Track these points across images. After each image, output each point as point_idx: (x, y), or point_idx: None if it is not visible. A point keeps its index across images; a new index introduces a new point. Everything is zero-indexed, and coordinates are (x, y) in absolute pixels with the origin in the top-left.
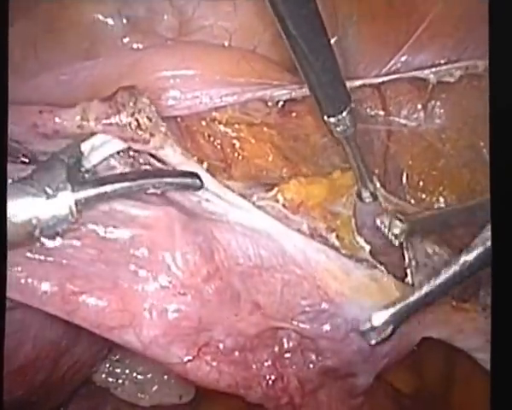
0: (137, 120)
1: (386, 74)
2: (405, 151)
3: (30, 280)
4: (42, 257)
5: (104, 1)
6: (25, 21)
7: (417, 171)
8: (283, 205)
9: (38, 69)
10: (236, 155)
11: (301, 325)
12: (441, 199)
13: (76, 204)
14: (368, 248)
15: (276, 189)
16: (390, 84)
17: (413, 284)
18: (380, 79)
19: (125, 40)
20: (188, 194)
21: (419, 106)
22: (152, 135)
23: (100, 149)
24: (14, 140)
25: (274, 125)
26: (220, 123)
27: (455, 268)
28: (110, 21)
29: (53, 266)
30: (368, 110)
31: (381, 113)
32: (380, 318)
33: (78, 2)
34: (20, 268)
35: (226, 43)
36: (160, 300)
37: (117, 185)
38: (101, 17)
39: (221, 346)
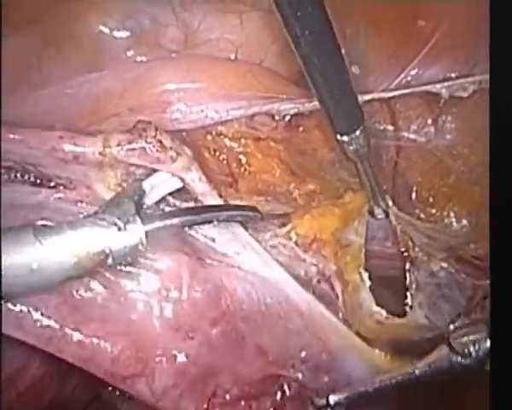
0: (161, 141)
1: (397, 88)
2: (415, 167)
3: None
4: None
5: (108, 13)
6: (27, 34)
7: (427, 187)
8: (296, 243)
9: (41, 82)
10: (243, 170)
11: (301, 375)
12: (451, 214)
13: (146, 235)
14: (368, 283)
15: (289, 225)
16: (400, 99)
17: (411, 307)
18: (390, 94)
19: (130, 53)
20: (202, 235)
21: (429, 121)
22: (178, 154)
23: (159, 187)
24: (29, 163)
25: (281, 140)
26: (226, 137)
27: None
28: (114, 34)
29: (68, 308)
30: (377, 125)
31: (391, 127)
32: (335, 398)
33: (82, 14)
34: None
35: (232, 57)
36: (170, 343)
37: (184, 218)
38: (104, 29)
39: (228, 396)
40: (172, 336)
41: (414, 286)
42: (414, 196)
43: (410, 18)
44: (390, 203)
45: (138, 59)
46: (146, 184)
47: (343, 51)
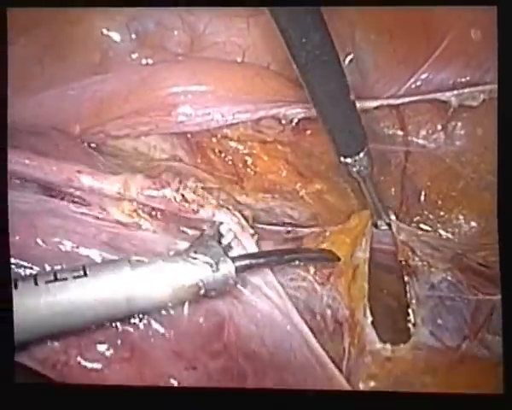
0: (183, 195)
1: (406, 93)
2: (424, 172)
3: None
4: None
5: (113, 16)
6: (31, 36)
7: (436, 191)
8: (314, 274)
9: (45, 84)
10: (249, 170)
11: None
12: (461, 217)
13: (236, 270)
14: (370, 319)
15: None
16: (409, 104)
17: (414, 324)
18: (399, 101)
19: (134, 56)
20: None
21: (439, 126)
22: (201, 206)
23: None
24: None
25: (288, 143)
26: (232, 140)
27: None
28: (119, 36)
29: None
30: (385, 130)
31: (399, 133)
32: None
33: (86, 16)
34: None
35: (239, 60)
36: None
37: (269, 258)
38: (109, 32)
39: None
40: (174, 363)
41: (414, 301)
42: (423, 198)
43: (420, 23)
44: (393, 217)
45: (143, 62)
46: (223, 228)
47: (351, 56)
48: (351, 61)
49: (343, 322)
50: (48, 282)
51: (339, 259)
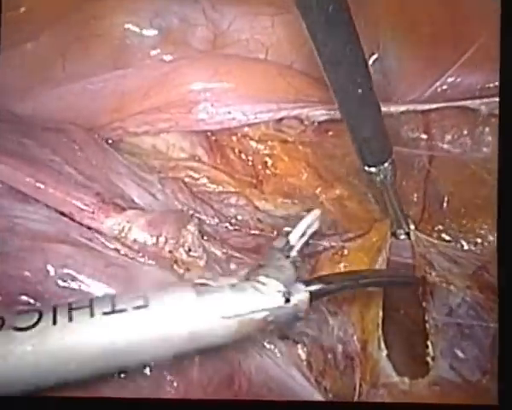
0: (176, 258)
1: (431, 97)
2: (447, 178)
3: None
4: None
5: (135, 12)
6: (54, 31)
7: (459, 197)
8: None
9: (66, 78)
10: (268, 172)
11: None
12: (485, 226)
13: (310, 299)
14: (385, 352)
15: None
16: (434, 107)
17: (433, 358)
18: (425, 107)
19: (156, 51)
20: None
21: (465, 132)
22: (188, 270)
23: (302, 238)
24: None
25: (309, 144)
26: (252, 139)
27: None
28: (141, 32)
29: None
30: (409, 133)
31: (424, 136)
32: None
33: (109, 12)
34: None
35: (262, 58)
36: None
37: (343, 283)
38: (131, 27)
39: None
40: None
41: (433, 330)
42: (445, 205)
43: (449, 23)
44: (412, 227)
45: (165, 57)
46: (293, 236)
47: (375, 56)
48: (375, 61)
49: (354, 357)
50: (105, 313)
51: (419, 279)
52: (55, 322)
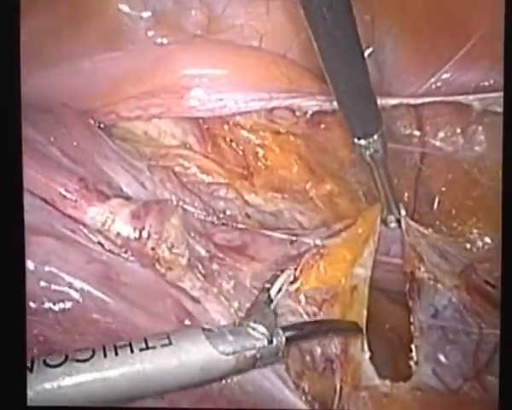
0: (158, 256)
1: (425, 93)
2: (439, 176)
3: None
4: None
5: None
6: (48, 11)
7: (450, 198)
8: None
9: (60, 59)
10: (259, 163)
11: None
12: (474, 230)
13: (286, 342)
14: (368, 355)
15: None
16: (428, 104)
17: (417, 363)
18: (419, 101)
19: (150, 34)
20: None
21: (458, 130)
22: (169, 269)
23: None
24: None
25: (301, 136)
26: (243, 129)
27: None
28: (135, 13)
29: None
30: (402, 129)
31: (416, 133)
32: None
33: None
34: None
35: (256, 45)
36: None
37: (313, 330)
38: (125, 9)
39: None
40: None
41: (417, 333)
42: (436, 206)
43: (446, 19)
44: (403, 212)
45: (159, 41)
46: (273, 291)
47: (370, 50)
48: (370, 54)
49: (334, 359)
50: (141, 350)
51: (362, 331)
52: (105, 355)
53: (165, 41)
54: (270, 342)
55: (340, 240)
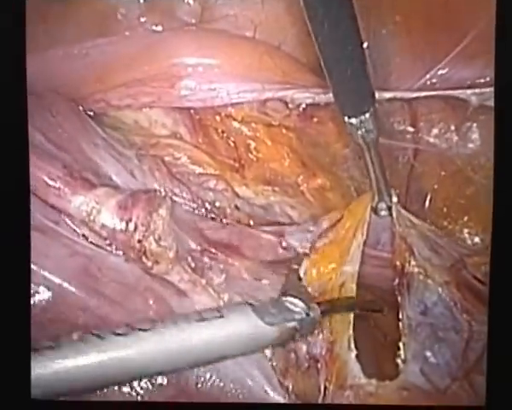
0: (144, 249)
1: (421, 89)
2: (432, 173)
3: None
4: None
5: None
6: None
7: (442, 196)
8: None
9: (49, 43)
10: (251, 156)
11: None
12: (465, 230)
13: (322, 315)
14: (354, 353)
15: None
16: (422, 100)
17: (404, 361)
18: (414, 94)
19: (142, 20)
20: None
21: (452, 127)
22: (157, 262)
23: None
24: None
25: (293, 129)
26: (235, 120)
27: None
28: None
29: None
30: (395, 125)
31: (410, 129)
32: None
33: None
34: None
35: (250, 35)
36: None
37: (344, 305)
38: None
39: None
40: None
41: (406, 330)
42: (427, 203)
43: (442, 14)
44: (395, 199)
45: (150, 28)
46: (301, 271)
47: (365, 45)
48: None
49: (319, 359)
50: (197, 320)
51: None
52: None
53: (156, 28)
54: (308, 314)
55: (327, 240)
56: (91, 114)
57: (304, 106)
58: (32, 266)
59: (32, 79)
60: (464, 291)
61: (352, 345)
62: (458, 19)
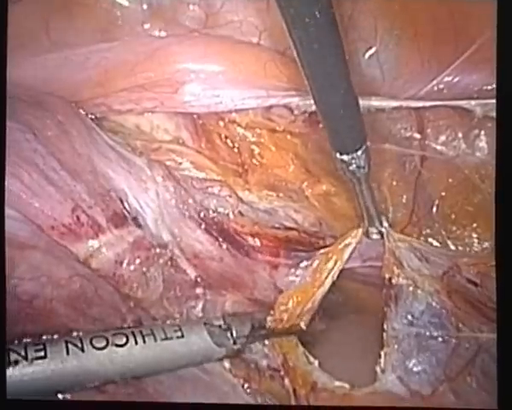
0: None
1: (427, 95)
2: (439, 181)
3: None
4: None
5: None
6: None
7: (450, 203)
8: None
9: (49, 47)
10: (255, 161)
11: None
12: (474, 235)
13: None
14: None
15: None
16: (429, 106)
17: (383, 371)
18: (418, 104)
19: (146, 26)
20: None
21: (460, 134)
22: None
23: None
24: None
25: (298, 135)
26: (239, 126)
27: None
28: (130, 5)
29: None
30: (402, 132)
31: (417, 136)
32: None
33: None
34: None
35: (254, 42)
36: None
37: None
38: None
39: None
40: None
41: (389, 341)
42: (435, 209)
43: (449, 21)
44: (386, 224)
45: (154, 33)
46: None
47: (373, 50)
48: (371, 55)
49: (280, 368)
50: (162, 339)
51: None
52: (136, 343)
53: (159, 34)
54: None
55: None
56: (92, 117)
57: (309, 112)
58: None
59: (34, 82)
60: (456, 298)
61: (311, 358)
62: (465, 26)
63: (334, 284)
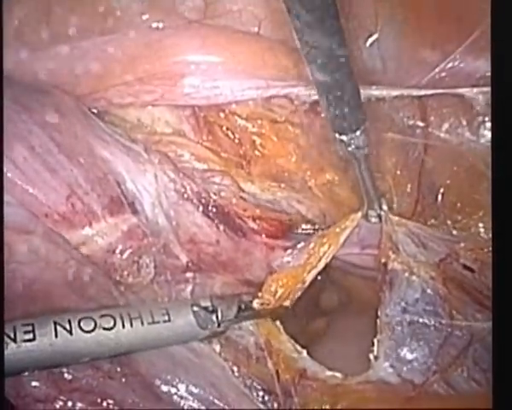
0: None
1: (429, 83)
2: (443, 169)
3: None
4: None
5: None
6: None
7: (455, 191)
8: None
9: (50, 40)
10: (256, 152)
11: None
12: (480, 224)
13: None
14: (305, 353)
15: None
16: (432, 94)
17: (376, 358)
18: (420, 92)
19: (144, 17)
20: None
21: (464, 121)
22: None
23: None
24: None
25: (300, 125)
26: (240, 117)
27: None
28: None
29: None
30: (405, 120)
31: (420, 124)
32: None
33: None
34: None
35: (254, 31)
36: None
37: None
38: None
39: None
40: None
41: (382, 328)
42: (440, 198)
43: (452, 7)
44: (385, 207)
45: (153, 25)
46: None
47: (374, 37)
48: (372, 43)
49: (264, 348)
50: (149, 324)
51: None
52: (123, 326)
53: (159, 25)
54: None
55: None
56: (94, 111)
57: (310, 102)
58: None
59: (35, 75)
60: (451, 286)
61: (298, 347)
62: (467, 11)
63: (328, 277)
